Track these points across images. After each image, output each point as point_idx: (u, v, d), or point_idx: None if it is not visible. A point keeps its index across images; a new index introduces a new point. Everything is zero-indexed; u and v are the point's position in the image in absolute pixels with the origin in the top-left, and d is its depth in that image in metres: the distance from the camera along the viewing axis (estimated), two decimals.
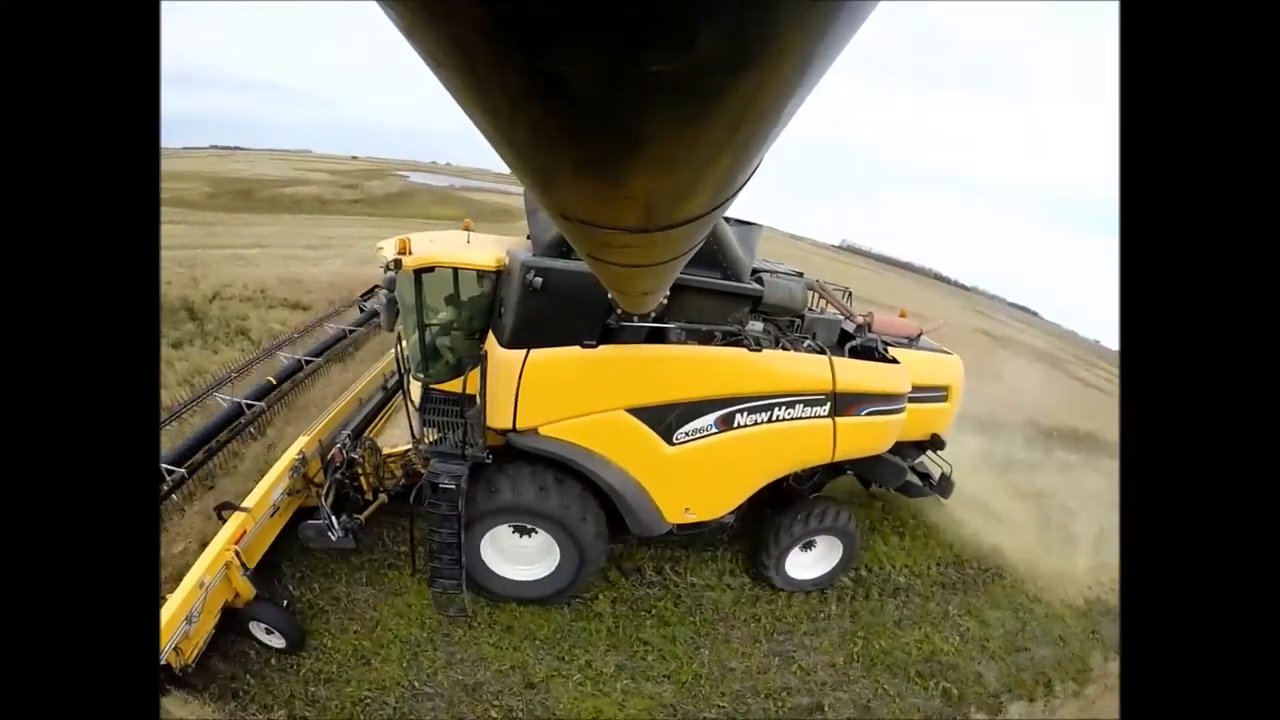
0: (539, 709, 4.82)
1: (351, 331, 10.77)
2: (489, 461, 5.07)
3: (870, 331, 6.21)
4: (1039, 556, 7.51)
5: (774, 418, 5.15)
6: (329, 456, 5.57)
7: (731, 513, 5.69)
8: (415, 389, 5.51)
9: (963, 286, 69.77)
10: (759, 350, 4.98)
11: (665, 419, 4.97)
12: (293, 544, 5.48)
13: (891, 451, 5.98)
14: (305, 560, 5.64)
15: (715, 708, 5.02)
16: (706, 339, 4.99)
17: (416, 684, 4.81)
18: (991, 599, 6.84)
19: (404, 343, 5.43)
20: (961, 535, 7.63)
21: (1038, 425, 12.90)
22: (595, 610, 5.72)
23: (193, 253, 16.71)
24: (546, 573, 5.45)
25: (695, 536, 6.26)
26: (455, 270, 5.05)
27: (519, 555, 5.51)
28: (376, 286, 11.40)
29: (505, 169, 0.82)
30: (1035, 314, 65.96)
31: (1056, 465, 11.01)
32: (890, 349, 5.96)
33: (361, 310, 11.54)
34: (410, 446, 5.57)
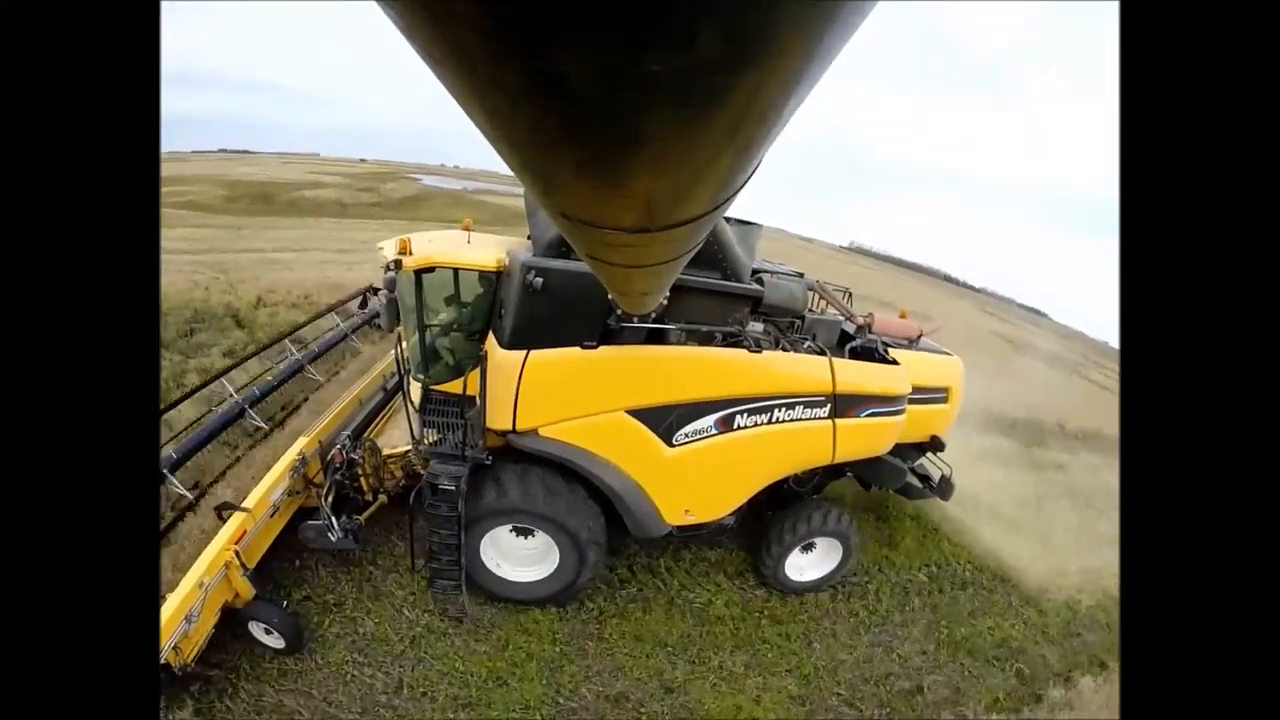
0: (682, 711, 5.03)
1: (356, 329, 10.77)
2: (488, 463, 5.07)
3: (871, 332, 6.21)
4: (1080, 554, 8.24)
5: (774, 419, 5.16)
6: (329, 457, 5.56)
7: (731, 514, 5.70)
8: (415, 390, 5.51)
9: (972, 288, 69.75)
10: (759, 351, 4.98)
11: (665, 420, 4.96)
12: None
13: (891, 453, 5.99)
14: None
15: (835, 695, 5.48)
16: (706, 340, 4.99)
17: (560, 699, 4.90)
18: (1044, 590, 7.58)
19: (404, 344, 5.44)
20: (1010, 537, 8.34)
21: (1064, 429, 13.76)
22: (714, 614, 6.05)
23: (222, 257, 16.89)
24: (546, 574, 5.45)
25: (694, 538, 6.30)
26: (455, 271, 5.05)
27: (519, 557, 5.51)
28: (373, 287, 11.29)
29: (511, 171, 0.82)
30: (1044, 315, 65.96)
31: (1084, 467, 11.82)
32: (890, 350, 5.96)
33: (363, 310, 11.53)
34: (410, 448, 5.57)
